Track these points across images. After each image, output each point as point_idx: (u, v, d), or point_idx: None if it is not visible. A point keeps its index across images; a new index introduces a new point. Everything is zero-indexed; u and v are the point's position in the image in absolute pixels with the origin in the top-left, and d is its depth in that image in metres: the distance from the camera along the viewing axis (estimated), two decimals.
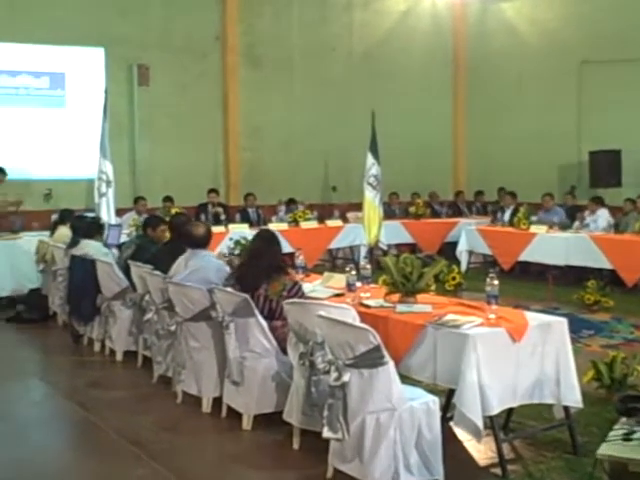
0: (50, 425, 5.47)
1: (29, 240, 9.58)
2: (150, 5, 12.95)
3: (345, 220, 12.62)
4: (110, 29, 12.45)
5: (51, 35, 11.98)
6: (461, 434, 4.63)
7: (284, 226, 11.32)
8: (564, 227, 10.98)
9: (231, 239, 7.68)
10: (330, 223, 12.26)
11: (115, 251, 7.85)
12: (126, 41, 12.59)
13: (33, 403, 5.98)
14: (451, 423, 4.51)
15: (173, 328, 5.62)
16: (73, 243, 7.76)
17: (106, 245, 7.77)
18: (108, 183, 10.29)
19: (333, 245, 12.20)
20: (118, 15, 12.52)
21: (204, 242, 5.85)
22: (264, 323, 4.98)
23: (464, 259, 11.74)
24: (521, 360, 4.29)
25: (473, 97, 15.97)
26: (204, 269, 5.64)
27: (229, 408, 5.21)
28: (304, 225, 11.70)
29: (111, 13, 12.47)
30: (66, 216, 9.18)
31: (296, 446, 4.63)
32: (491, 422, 4.20)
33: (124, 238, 9.34)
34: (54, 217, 9.78)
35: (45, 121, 12.23)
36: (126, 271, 6.83)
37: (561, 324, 4.53)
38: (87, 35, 12.28)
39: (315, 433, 4.31)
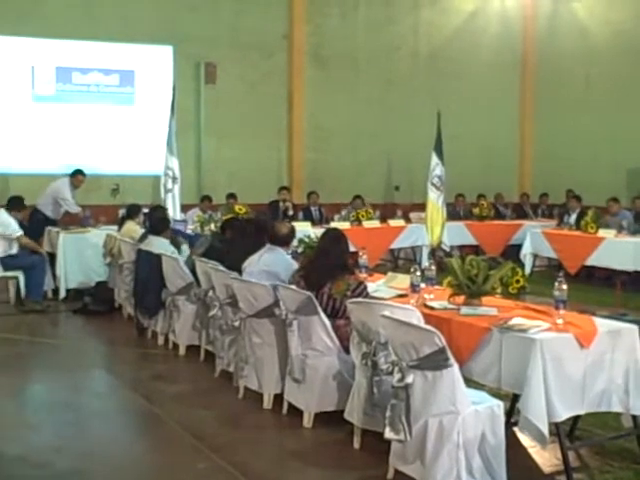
0: (115, 416, 5.56)
1: (97, 234, 9.75)
2: (219, 4, 13.13)
3: (407, 220, 12.54)
4: (179, 27, 12.67)
5: (122, 33, 12.24)
6: (525, 440, 4.57)
7: (346, 225, 11.24)
8: (634, 232, 10.71)
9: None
10: (392, 223, 12.18)
11: (183, 243, 7.90)
12: (194, 39, 12.79)
13: (99, 394, 6.10)
14: (515, 429, 4.44)
15: (237, 324, 5.67)
16: (143, 237, 7.89)
17: (173, 242, 7.82)
18: (174, 179, 10.48)
19: (395, 245, 12.13)
20: (187, 14, 12.73)
21: (284, 241, 5.96)
22: (327, 321, 4.98)
23: (528, 262, 11.53)
24: (589, 367, 4.19)
25: (541, 98, 15.71)
26: (275, 265, 5.73)
27: (290, 405, 5.23)
28: (366, 224, 11.65)
29: (180, 12, 12.68)
30: (133, 211, 9.33)
31: (357, 445, 4.62)
32: (557, 429, 4.11)
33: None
34: (121, 212, 9.94)
35: (114, 118, 12.49)
36: (193, 267, 6.91)
37: (632, 331, 4.41)
38: (156, 33, 12.52)
39: (376, 433, 4.30)
